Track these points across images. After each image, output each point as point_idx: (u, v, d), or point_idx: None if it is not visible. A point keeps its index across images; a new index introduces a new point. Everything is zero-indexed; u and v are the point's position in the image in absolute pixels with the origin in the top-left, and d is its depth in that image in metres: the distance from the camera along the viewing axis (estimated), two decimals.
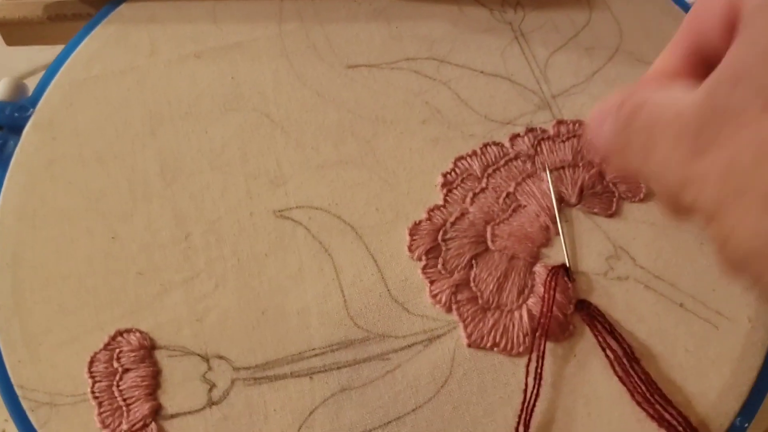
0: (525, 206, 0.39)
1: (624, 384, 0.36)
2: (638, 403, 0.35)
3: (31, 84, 0.44)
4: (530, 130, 0.41)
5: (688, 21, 0.29)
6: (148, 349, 0.37)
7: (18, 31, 0.47)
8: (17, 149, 0.41)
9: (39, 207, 0.40)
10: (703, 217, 0.24)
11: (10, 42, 0.48)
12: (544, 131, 0.41)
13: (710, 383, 0.36)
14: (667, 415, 0.35)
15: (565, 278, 0.37)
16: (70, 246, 0.39)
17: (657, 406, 0.35)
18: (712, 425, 0.35)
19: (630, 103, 0.28)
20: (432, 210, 0.39)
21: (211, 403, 0.36)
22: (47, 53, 0.72)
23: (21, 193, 0.40)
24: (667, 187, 0.26)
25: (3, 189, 0.40)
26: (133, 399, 0.36)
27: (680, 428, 0.35)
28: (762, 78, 0.22)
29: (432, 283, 0.38)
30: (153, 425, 0.35)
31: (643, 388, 0.35)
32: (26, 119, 0.42)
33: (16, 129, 0.42)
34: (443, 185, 0.40)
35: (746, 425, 0.35)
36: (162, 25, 0.44)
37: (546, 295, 0.37)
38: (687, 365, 0.36)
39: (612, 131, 0.28)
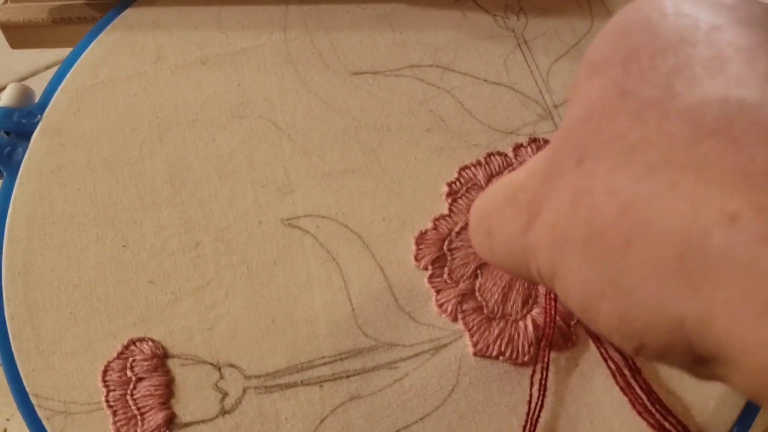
0: None
1: (625, 394, 0.37)
2: (639, 413, 0.36)
3: (34, 84, 0.44)
4: (533, 140, 0.42)
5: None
6: (161, 358, 0.38)
7: (22, 34, 0.48)
8: (26, 156, 0.41)
9: (48, 214, 0.40)
10: (548, 283, 0.25)
11: (14, 45, 0.48)
12: (546, 142, 0.42)
13: (708, 393, 0.37)
14: (667, 425, 0.36)
15: None
16: (81, 253, 0.39)
17: (657, 416, 0.36)
18: None
19: (473, 205, 0.30)
20: (438, 219, 0.40)
21: (223, 412, 0.37)
22: (49, 54, 0.72)
23: (30, 200, 0.40)
24: (515, 267, 0.27)
25: (12, 196, 0.41)
26: (147, 408, 0.37)
27: None
28: (577, 137, 0.23)
29: (438, 292, 0.39)
30: None
31: (644, 398, 0.37)
32: (34, 125, 0.42)
33: (25, 135, 0.42)
34: (448, 195, 0.41)
35: None
36: (167, 31, 0.44)
37: (547, 306, 0.37)
38: (686, 375, 0.37)
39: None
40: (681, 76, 0.22)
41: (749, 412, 0.37)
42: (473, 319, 0.38)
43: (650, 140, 0.21)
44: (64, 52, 0.45)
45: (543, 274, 0.25)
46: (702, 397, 0.37)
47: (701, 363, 0.21)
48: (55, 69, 0.44)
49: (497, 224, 0.27)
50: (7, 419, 0.60)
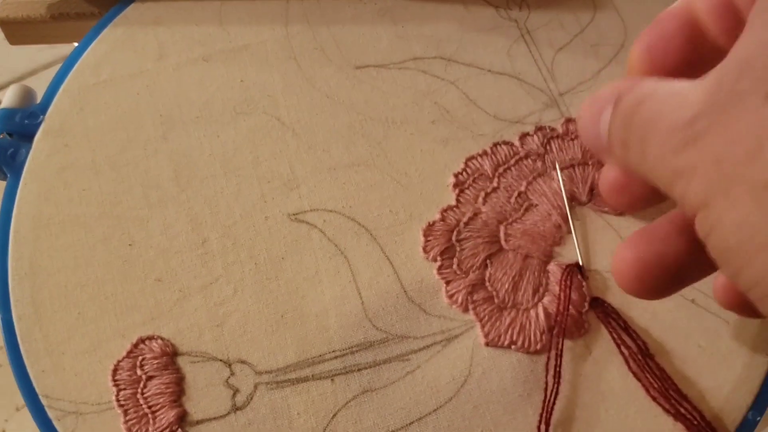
0: (537, 205, 0.40)
1: (639, 380, 0.37)
2: (654, 398, 0.36)
3: (32, 84, 0.44)
4: (539, 128, 0.42)
5: None
6: (171, 356, 0.37)
7: (21, 30, 0.48)
8: (29, 157, 0.41)
9: (54, 215, 0.40)
10: (690, 209, 0.23)
11: (13, 41, 0.48)
12: (553, 130, 0.42)
13: (723, 378, 0.37)
14: (682, 410, 0.36)
15: (579, 276, 0.38)
16: (88, 253, 0.39)
17: (672, 401, 0.36)
18: (726, 419, 0.36)
19: (632, 96, 0.27)
20: (445, 210, 0.40)
21: (235, 409, 0.36)
22: (46, 53, 0.72)
23: (35, 201, 0.40)
24: (659, 181, 0.25)
25: (17, 197, 0.40)
26: (159, 406, 0.36)
27: (695, 422, 0.36)
28: (766, 68, 0.22)
29: (448, 283, 0.38)
30: None
31: (658, 383, 0.36)
32: (37, 126, 0.42)
33: (28, 136, 0.42)
34: (455, 185, 0.40)
35: (758, 418, 0.36)
36: (169, 28, 0.44)
37: (562, 294, 0.37)
38: (700, 360, 0.37)
39: (611, 125, 0.27)
40: None
41: (764, 397, 0.37)
42: (484, 309, 0.38)
43: None
44: (62, 52, 0.44)
45: (687, 199, 0.23)
46: (716, 383, 0.37)
47: None
48: (52, 68, 0.44)
49: (654, 131, 0.25)
50: (6, 420, 0.60)
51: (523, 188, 0.40)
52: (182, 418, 0.36)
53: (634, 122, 0.26)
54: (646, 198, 0.32)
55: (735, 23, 0.27)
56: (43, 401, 0.37)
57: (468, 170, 0.41)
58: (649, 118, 0.26)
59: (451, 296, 0.38)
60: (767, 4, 0.23)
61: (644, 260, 0.29)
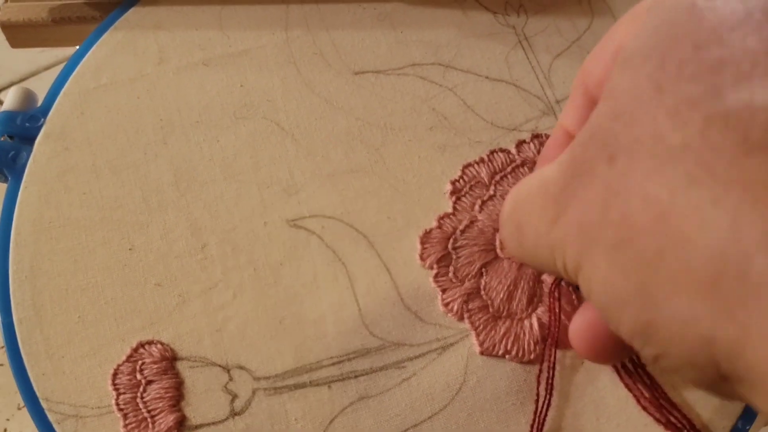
0: None
1: (630, 390, 0.37)
2: (644, 408, 0.37)
3: (33, 85, 0.44)
4: (536, 136, 0.42)
5: (578, 76, 0.30)
6: (170, 361, 0.38)
7: (22, 34, 0.48)
8: (30, 160, 0.41)
9: (55, 218, 0.40)
10: (573, 277, 0.25)
11: (14, 44, 0.48)
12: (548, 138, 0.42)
13: None
14: (672, 419, 0.36)
15: (570, 288, 0.38)
16: (88, 257, 0.40)
17: (663, 410, 0.37)
18: (716, 428, 0.37)
19: (507, 198, 0.30)
20: (442, 218, 0.40)
21: (233, 414, 0.37)
22: (48, 55, 0.72)
23: (36, 204, 0.41)
24: (542, 262, 0.27)
25: (18, 200, 0.41)
26: (158, 410, 0.37)
27: (685, 431, 0.36)
28: (607, 133, 0.23)
29: (444, 291, 0.39)
30: None
31: (649, 393, 0.37)
32: (38, 129, 0.42)
33: (28, 139, 0.42)
34: (452, 193, 0.41)
35: (748, 427, 0.37)
36: (169, 32, 0.44)
37: (552, 305, 0.38)
38: None
39: (500, 229, 0.30)
40: (726, 72, 0.20)
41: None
42: (479, 318, 0.38)
43: (692, 147, 0.20)
44: (63, 54, 0.45)
45: (568, 269, 0.25)
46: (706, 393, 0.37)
47: (723, 380, 0.21)
48: (54, 69, 0.44)
49: (526, 217, 0.27)
50: (7, 419, 0.60)
51: None
52: (181, 423, 0.37)
53: (512, 218, 0.29)
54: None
55: None
56: (44, 404, 0.37)
57: (465, 178, 0.41)
58: (518, 208, 0.28)
59: (446, 304, 0.39)
60: (615, 81, 0.24)
61: (596, 326, 0.29)
